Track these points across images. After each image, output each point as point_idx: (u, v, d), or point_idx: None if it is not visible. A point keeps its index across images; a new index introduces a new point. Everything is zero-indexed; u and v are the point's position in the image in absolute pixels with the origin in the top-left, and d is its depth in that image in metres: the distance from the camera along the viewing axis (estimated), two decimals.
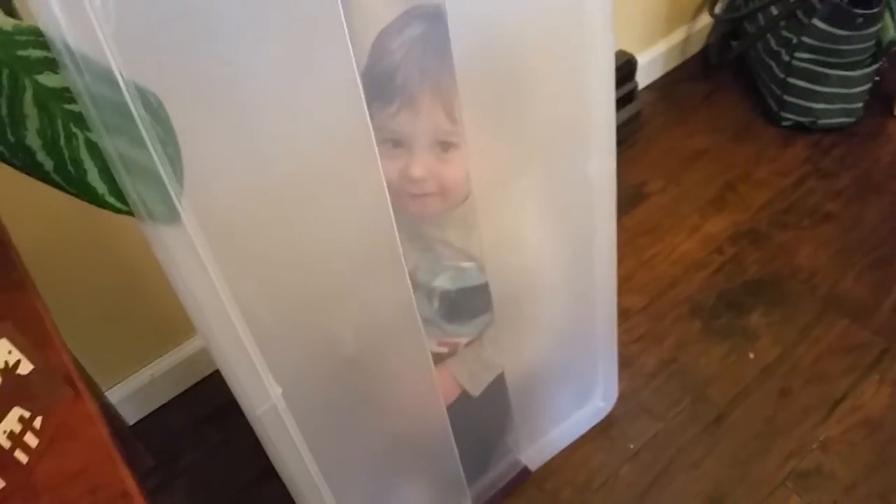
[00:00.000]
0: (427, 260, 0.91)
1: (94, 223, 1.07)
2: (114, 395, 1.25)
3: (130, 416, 1.30)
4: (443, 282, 0.91)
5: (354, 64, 0.61)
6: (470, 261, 0.90)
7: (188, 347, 1.31)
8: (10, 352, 0.60)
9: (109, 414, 1.18)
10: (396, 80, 0.74)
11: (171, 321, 1.26)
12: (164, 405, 1.34)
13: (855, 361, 1.32)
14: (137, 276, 1.16)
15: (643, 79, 1.83)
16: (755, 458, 1.21)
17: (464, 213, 0.86)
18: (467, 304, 0.94)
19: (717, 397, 1.29)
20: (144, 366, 1.29)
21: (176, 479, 1.27)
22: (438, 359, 0.95)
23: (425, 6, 0.75)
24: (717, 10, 1.85)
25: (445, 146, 0.78)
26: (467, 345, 0.98)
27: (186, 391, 1.35)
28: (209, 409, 1.32)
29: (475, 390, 0.99)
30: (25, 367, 0.61)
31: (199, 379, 1.35)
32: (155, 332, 1.26)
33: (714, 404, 1.29)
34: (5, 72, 0.47)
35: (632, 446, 1.24)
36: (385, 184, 0.70)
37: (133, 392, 1.28)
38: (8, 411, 0.60)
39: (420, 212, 0.84)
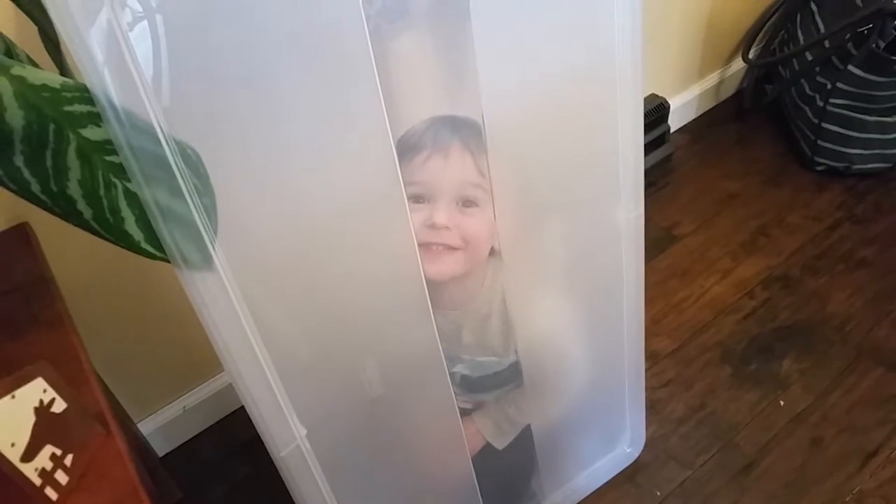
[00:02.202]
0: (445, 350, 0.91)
1: (131, 260, 1.09)
2: (145, 427, 1.27)
3: (161, 447, 1.32)
4: (461, 369, 0.92)
5: (389, 127, 0.63)
6: (489, 356, 0.91)
7: (220, 380, 1.33)
8: (44, 390, 0.62)
9: (140, 446, 1.19)
10: (427, 135, 0.76)
11: (204, 354, 1.27)
12: (193, 437, 1.36)
13: (889, 413, 1.29)
14: (172, 309, 1.19)
15: (676, 121, 1.84)
16: None
17: (478, 308, 0.88)
18: (489, 382, 0.95)
19: (747, 445, 1.28)
20: (177, 398, 1.30)
21: None
22: (463, 413, 0.95)
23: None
24: (752, 55, 1.85)
25: (468, 202, 0.80)
26: (490, 401, 0.99)
27: (216, 424, 1.37)
28: (239, 442, 1.33)
29: (500, 445, 0.99)
30: (59, 406, 0.63)
31: (229, 412, 1.37)
32: (188, 365, 1.28)
33: (743, 452, 1.27)
34: (52, 127, 0.49)
35: (658, 493, 1.23)
36: (413, 230, 0.72)
37: (164, 424, 1.29)
38: (41, 449, 0.61)
39: (438, 271, 0.81)
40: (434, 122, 0.78)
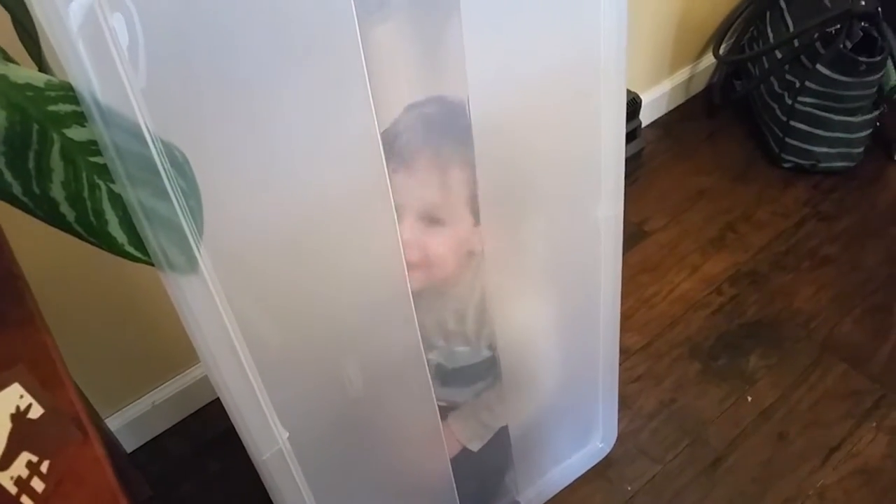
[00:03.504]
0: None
1: (98, 253, 1.07)
2: (113, 423, 1.25)
3: (129, 443, 1.30)
4: (436, 357, 0.92)
5: (376, 124, 0.62)
6: (463, 346, 0.90)
7: (189, 376, 1.31)
8: (21, 396, 0.60)
9: (108, 442, 1.17)
10: (397, 145, 0.75)
11: (174, 349, 1.25)
12: (162, 433, 1.34)
13: (852, 408, 1.32)
14: (141, 303, 1.16)
15: (646, 116, 1.85)
16: (752, 503, 1.21)
17: (457, 297, 0.87)
18: (463, 377, 0.95)
19: (715, 440, 1.30)
20: (145, 393, 1.28)
21: None
22: (440, 414, 0.95)
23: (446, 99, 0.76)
24: (722, 51, 1.87)
25: (432, 221, 0.79)
26: (465, 403, 0.99)
27: (185, 419, 1.35)
28: (208, 437, 1.31)
29: (476, 447, 1.00)
30: (36, 412, 0.61)
31: (198, 407, 1.35)
32: (157, 360, 1.26)
33: (712, 447, 1.29)
34: (35, 127, 0.47)
35: (629, 488, 1.24)
36: (399, 232, 0.71)
37: (133, 420, 1.27)
38: (17, 456, 0.59)
39: None
40: (406, 129, 0.75)
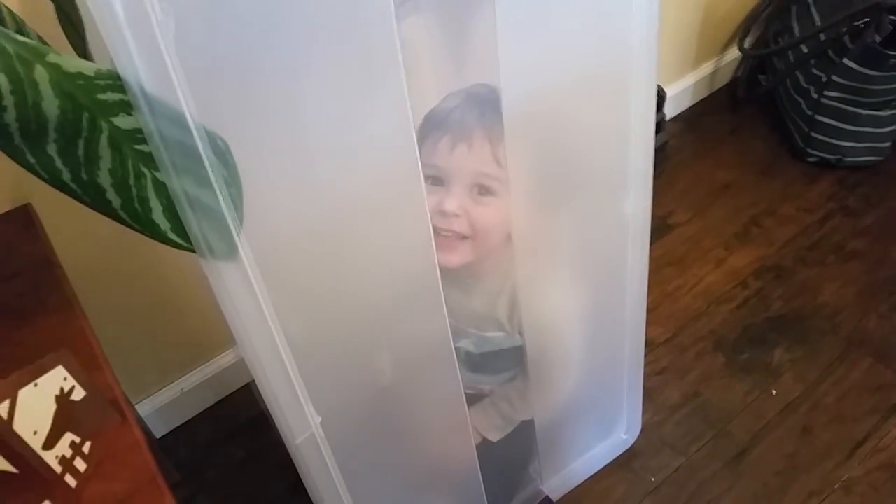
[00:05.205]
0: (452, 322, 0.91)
1: (129, 242, 1.08)
2: (142, 409, 1.27)
3: (158, 429, 1.32)
4: (466, 345, 0.92)
5: (411, 114, 0.63)
6: (496, 331, 0.91)
7: (217, 363, 1.33)
8: (65, 378, 0.62)
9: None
10: (453, 115, 0.76)
11: (201, 338, 1.27)
12: (190, 419, 1.36)
13: (878, 402, 1.32)
14: (171, 292, 1.18)
15: (670, 110, 1.85)
16: (776, 496, 1.21)
17: (491, 282, 0.88)
18: (491, 364, 0.95)
19: (740, 433, 1.30)
20: (174, 380, 1.30)
21: (200, 493, 1.28)
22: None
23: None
24: (747, 44, 1.86)
25: (484, 190, 0.79)
26: (490, 391, 0.99)
27: (213, 406, 1.37)
28: (235, 424, 1.33)
29: (495, 438, 1.01)
30: (78, 394, 0.63)
31: (225, 394, 1.36)
32: (186, 348, 1.28)
33: (736, 440, 1.29)
34: (85, 115, 0.49)
35: (653, 479, 1.25)
36: (430, 221, 0.72)
37: (161, 406, 1.29)
38: (61, 436, 0.61)
39: (447, 258, 0.81)
40: (462, 102, 0.77)
